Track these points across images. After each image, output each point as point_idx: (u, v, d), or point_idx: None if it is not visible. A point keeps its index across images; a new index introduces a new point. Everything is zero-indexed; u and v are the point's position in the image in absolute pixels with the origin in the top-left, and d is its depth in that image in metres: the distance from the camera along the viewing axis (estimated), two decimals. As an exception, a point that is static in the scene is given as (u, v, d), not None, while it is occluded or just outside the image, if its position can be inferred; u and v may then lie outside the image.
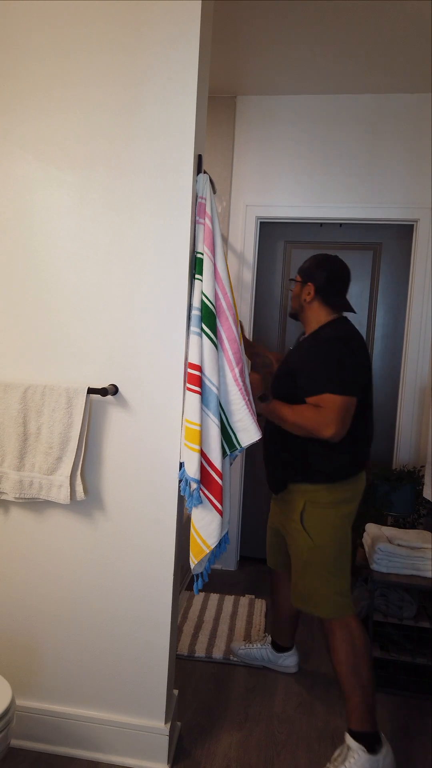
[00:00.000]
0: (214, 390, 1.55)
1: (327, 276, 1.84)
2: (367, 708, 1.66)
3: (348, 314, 1.91)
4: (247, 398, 1.63)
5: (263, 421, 1.87)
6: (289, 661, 2.20)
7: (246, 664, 2.22)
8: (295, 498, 1.79)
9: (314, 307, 1.86)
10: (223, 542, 1.62)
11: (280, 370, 1.92)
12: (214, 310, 1.56)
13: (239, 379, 1.61)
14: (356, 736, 1.65)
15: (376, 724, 1.67)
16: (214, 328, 1.56)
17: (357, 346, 1.75)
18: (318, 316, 1.86)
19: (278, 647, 2.20)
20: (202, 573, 1.62)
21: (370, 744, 1.64)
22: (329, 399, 1.66)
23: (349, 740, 1.66)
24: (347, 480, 1.76)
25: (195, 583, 1.61)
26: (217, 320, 1.59)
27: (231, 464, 1.73)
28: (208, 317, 1.55)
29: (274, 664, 2.20)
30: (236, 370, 1.62)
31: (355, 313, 1.93)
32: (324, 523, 1.74)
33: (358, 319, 3.05)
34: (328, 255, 1.90)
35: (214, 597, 2.77)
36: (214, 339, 1.56)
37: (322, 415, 1.65)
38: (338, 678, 1.72)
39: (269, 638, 2.24)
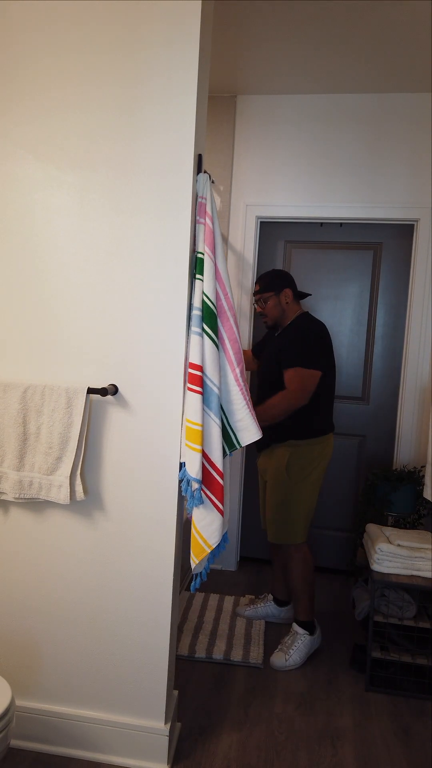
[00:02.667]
0: (216, 390, 1.55)
1: (289, 279, 2.34)
2: (311, 604, 2.31)
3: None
4: (247, 397, 1.63)
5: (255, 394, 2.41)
6: (290, 613, 2.57)
7: (254, 618, 2.58)
8: (282, 452, 2.28)
9: (290, 306, 2.33)
10: (222, 541, 1.62)
11: (264, 359, 2.39)
12: (215, 309, 1.56)
13: (240, 379, 1.62)
14: (301, 624, 2.30)
15: (314, 614, 2.39)
16: (215, 328, 1.56)
17: (321, 333, 2.25)
18: (292, 312, 2.33)
19: (279, 602, 2.57)
20: (200, 572, 1.62)
21: (310, 629, 2.31)
22: (300, 371, 2.15)
23: (297, 628, 2.31)
24: (318, 437, 2.28)
25: (193, 582, 1.61)
26: (218, 320, 1.59)
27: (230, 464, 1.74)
28: (210, 317, 1.55)
29: (277, 617, 2.58)
30: (237, 370, 1.62)
31: (311, 295, 2.60)
32: (302, 469, 2.26)
33: (358, 318, 3.05)
34: (271, 270, 2.41)
35: (214, 597, 2.77)
36: (215, 339, 1.56)
37: (290, 392, 2.15)
38: (293, 587, 2.31)
39: (270, 596, 2.61)
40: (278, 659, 2.23)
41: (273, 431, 2.28)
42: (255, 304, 2.39)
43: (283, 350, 2.22)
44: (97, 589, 1.67)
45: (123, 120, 1.56)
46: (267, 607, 2.58)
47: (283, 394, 2.16)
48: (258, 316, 3.16)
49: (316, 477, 2.28)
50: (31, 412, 1.60)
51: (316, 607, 2.71)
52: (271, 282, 2.32)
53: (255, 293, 2.36)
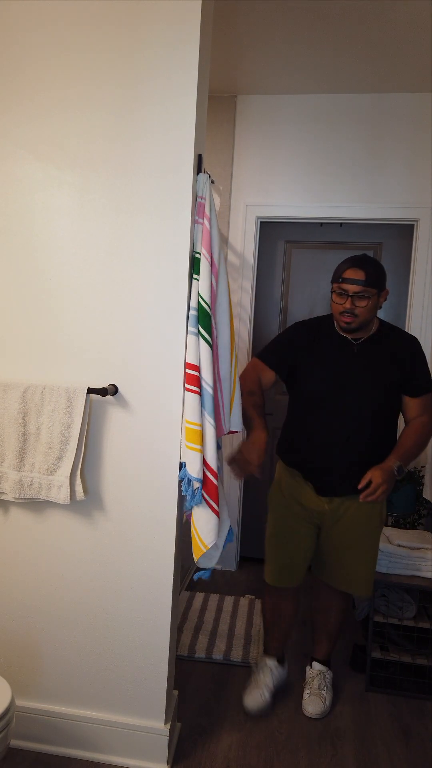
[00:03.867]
0: (210, 391, 1.55)
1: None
2: (334, 648, 2.17)
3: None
4: (230, 398, 1.68)
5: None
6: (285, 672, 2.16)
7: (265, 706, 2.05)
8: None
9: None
10: (227, 539, 1.63)
11: (364, 378, 1.85)
12: (209, 310, 1.56)
13: (226, 379, 1.67)
14: (322, 662, 2.09)
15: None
16: (209, 329, 1.56)
17: None
18: (376, 319, 1.91)
19: (280, 660, 2.12)
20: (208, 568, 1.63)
21: (329, 664, 2.12)
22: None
23: (322, 667, 2.08)
24: None
25: (202, 572, 1.61)
26: (214, 320, 1.60)
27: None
28: (204, 318, 1.55)
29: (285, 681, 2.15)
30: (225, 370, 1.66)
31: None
32: (384, 509, 1.99)
33: (358, 319, 3.05)
34: (371, 257, 1.84)
35: (214, 597, 2.77)
36: (209, 340, 1.56)
37: (425, 420, 1.88)
38: (332, 630, 2.08)
39: (273, 661, 2.09)
40: (315, 706, 1.96)
41: (362, 473, 1.82)
42: (344, 296, 1.78)
43: (409, 375, 1.85)
44: (97, 589, 1.67)
45: (123, 120, 1.56)
46: (273, 674, 2.08)
47: (422, 426, 1.86)
48: (256, 315, 3.16)
49: None
50: (31, 412, 1.60)
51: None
52: (380, 277, 1.78)
53: (351, 282, 1.75)
